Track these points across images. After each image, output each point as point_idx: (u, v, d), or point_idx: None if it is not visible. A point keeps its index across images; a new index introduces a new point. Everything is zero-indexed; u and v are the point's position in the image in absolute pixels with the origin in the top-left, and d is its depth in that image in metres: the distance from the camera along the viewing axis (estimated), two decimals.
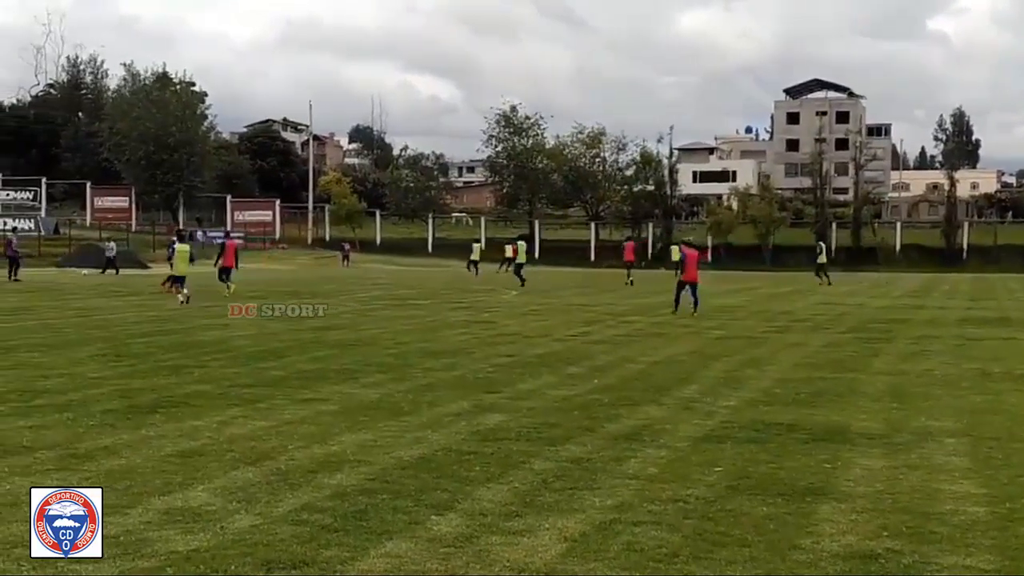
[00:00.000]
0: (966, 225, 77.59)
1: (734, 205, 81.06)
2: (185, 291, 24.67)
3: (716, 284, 37.40)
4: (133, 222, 77.57)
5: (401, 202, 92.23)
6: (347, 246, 67.45)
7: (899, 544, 5.54)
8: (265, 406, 9.79)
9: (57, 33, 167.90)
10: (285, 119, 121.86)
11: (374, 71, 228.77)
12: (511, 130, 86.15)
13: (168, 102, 78.02)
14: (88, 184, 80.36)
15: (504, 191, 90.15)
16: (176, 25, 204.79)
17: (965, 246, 72.82)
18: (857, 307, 26.27)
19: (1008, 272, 57.88)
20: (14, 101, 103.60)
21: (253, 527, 5.72)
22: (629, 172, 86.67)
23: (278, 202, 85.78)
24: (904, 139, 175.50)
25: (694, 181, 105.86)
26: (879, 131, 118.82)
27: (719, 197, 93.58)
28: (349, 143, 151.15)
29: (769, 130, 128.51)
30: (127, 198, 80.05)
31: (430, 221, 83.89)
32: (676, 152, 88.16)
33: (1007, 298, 29.84)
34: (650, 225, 79.51)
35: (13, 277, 36.48)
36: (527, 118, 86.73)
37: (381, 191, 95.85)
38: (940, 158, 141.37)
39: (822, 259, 42.02)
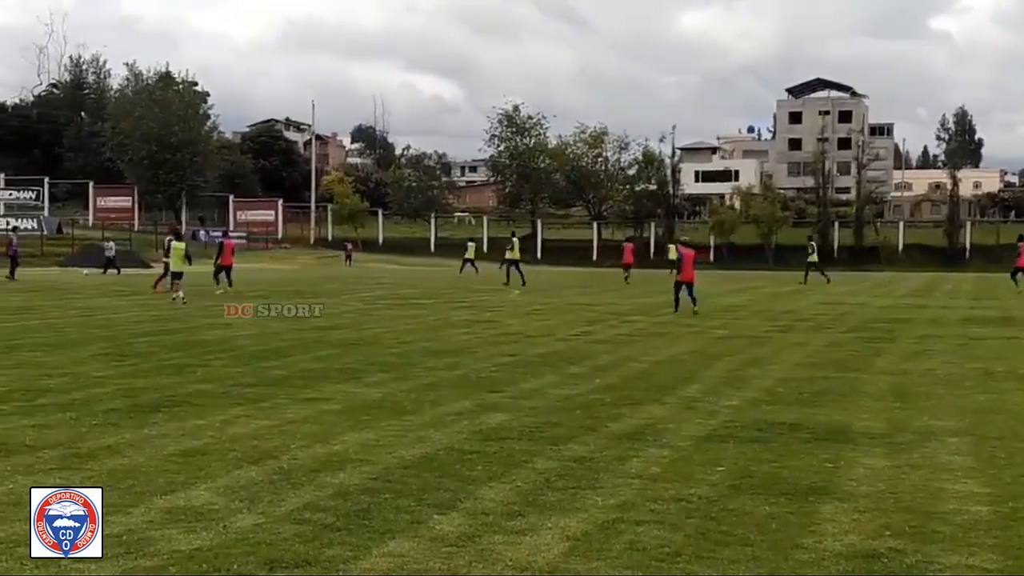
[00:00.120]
0: (969, 224, 77.58)
1: (736, 205, 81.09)
2: (181, 292, 24.69)
3: (718, 284, 37.41)
4: (136, 222, 77.67)
5: (403, 202, 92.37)
6: (349, 246, 67.53)
7: (902, 543, 5.53)
8: (268, 405, 9.80)
9: (59, 33, 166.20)
10: (287, 119, 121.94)
11: (376, 71, 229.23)
12: (513, 130, 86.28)
13: (171, 102, 78.15)
14: (91, 184, 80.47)
15: (506, 191, 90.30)
16: (177, 25, 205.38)
17: (968, 245, 72.80)
18: (859, 306, 26.25)
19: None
20: (17, 101, 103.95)
21: (256, 526, 5.72)
22: (631, 172, 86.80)
23: (280, 202, 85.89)
24: (907, 138, 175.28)
25: (696, 181, 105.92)
26: (882, 130, 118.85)
27: (721, 197, 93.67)
28: (351, 143, 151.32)
29: (771, 129, 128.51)
30: (130, 198, 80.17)
31: (432, 221, 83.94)
32: (678, 152, 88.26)
33: (1010, 297, 29.79)
34: (652, 225, 79.49)
35: (10, 276, 36.53)
36: (529, 118, 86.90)
37: (383, 191, 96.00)
38: (943, 157, 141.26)
39: (813, 258, 42.02)
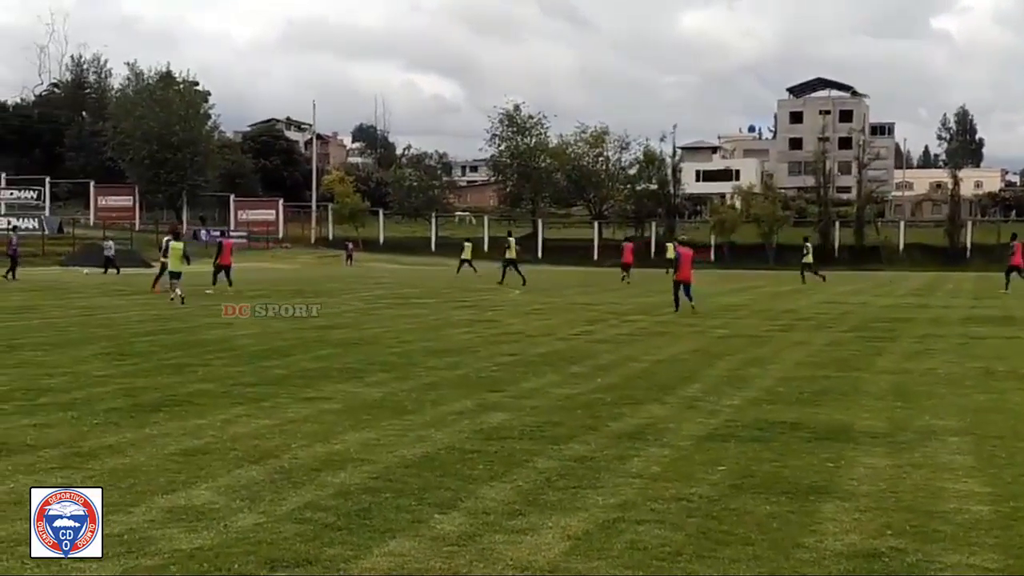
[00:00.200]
0: (970, 224, 77.49)
1: (737, 204, 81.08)
2: (179, 291, 24.68)
3: (719, 283, 37.40)
4: (137, 221, 77.62)
5: (404, 201, 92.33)
6: (350, 245, 67.50)
7: (903, 543, 5.53)
8: (269, 405, 9.80)
9: (60, 33, 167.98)
10: (288, 118, 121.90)
11: (377, 70, 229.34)
12: (514, 129, 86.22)
13: (172, 101, 78.13)
14: (92, 183, 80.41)
15: (507, 190, 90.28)
16: (177, 25, 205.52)
17: (969, 245, 72.71)
18: (860, 306, 26.24)
19: None
20: (18, 100, 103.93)
21: (256, 525, 5.72)
22: (632, 171, 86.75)
23: (281, 201, 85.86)
24: (907, 138, 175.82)
25: (697, 180, 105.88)
26: (882, 130, 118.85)
27: (722, 196, 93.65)
28: (352, 142, 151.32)
29: (772, 129, 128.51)
30: (131, 197, 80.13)
31: (433, 220, 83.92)
32: (679, 151, 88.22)
33: (1011, 297, 29.77)
34: (653, 224, 79.47)
35: (9, 276, 36.55)
36: (530, 117, 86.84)
37: (384, 190, 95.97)
38: (944, 157, 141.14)
39: (808, 259, 41.97)
